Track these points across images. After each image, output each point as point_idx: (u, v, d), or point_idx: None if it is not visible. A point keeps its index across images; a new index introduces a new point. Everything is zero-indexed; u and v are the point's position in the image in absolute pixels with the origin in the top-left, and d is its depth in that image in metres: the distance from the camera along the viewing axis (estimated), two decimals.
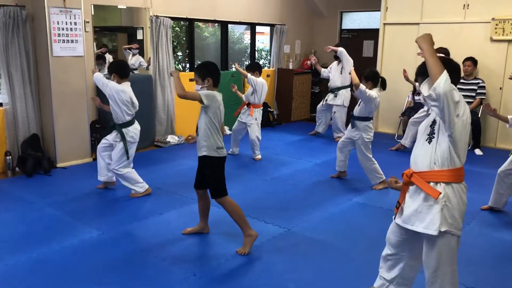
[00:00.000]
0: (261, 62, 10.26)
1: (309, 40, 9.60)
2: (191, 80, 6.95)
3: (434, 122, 2.30)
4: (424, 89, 2.20)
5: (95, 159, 5.94)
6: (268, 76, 8.69)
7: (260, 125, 6.23)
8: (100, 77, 4.56)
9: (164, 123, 6.92)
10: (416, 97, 7.08)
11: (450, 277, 2.30)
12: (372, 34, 8.54)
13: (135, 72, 7.27)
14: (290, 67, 9.10)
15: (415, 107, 7.02)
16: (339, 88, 7.28)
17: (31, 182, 5.05)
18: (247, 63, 9.43)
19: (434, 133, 2.27)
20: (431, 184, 2.26)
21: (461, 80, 6.85)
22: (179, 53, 8.49)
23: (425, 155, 2.29)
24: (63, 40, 5.49)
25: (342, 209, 4.39)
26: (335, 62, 7.43)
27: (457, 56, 6.93)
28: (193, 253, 3.45)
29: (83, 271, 3.13)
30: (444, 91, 2.07)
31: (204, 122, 3.37)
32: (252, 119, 6.11)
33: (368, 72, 4.81)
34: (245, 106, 6.23)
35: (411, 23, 7.50)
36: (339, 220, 4.15)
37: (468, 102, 6.77)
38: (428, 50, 2.15)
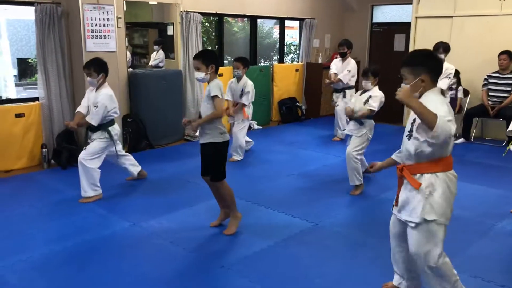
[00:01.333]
0: (290, 57, 10.24)
1: (339, 34, 9.50)
2: (220, 75, 7.01)
3: (414, 120, 2.37)
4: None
5: (127, 152, 6.08)
6: (297, 70, 8.66)
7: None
8: (98, 115, 4.28)
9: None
10: (449, 92, 6.94)
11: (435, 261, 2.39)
12: (404, 27, 8.38)
13: (161, 66, 7.41)
14: (320, 61, 9.03)
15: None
16: (344, 88, 6.79)
17: (65, 174, 5.22)
18: (276, 57, 9.43)
19: (412, 131, 2.37)
20: (417, 176, 2.38)
21: (496, 74, 6.67)
22: (209, 49, 8.57)
23: (407, 151, 2.41)
24: (96, 36, 5.63)
25: (371, 204, 4.36)
26: (338, 60, 7.01)
27: (492, 50, 6.77)
28: (221, 245, 3.49)
29: (114, 261, 3.22)
30: (445, 135, 2.18)
31: (209, 109, 3.46)
32: (246, 121, 5.85)
33: (375, 68, 4.58)
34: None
35: (444, 16, 7.33)
36: (368, 216, 4.12)
37: (503, 97, 6.58)
38: (416, 107, 2.19)
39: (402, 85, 2.44)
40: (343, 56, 6.88)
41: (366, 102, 4.47)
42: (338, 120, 6.93)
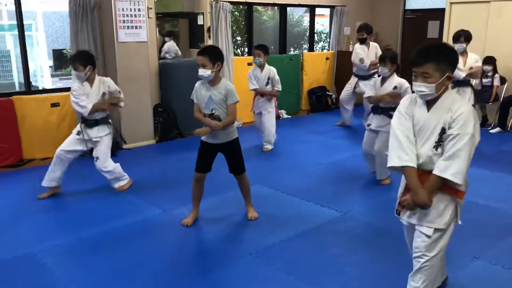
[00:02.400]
0: (320, 45, 10.13)
1: (371, 22, 9.28)
2: (249, 64, 7.01)
3: (443, 131, 2.15)
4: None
5: (158, 141, 6.19)
6: (327, 59, 8.56)
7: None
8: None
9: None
10: (484, 80, 6.73)
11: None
12: (438, 14, 8.15)
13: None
14: (350, 49, 8.88)
15: (483, 90, 6.68)
16: (371, 75, 6.52)
17: None
18: (306, 46, 9.34)
19: (442, 142, 2.16)
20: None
21: None
22: (238, 38, 8.56)
23: (432, 160, 2.20)
24: (128, 26, 5.71)
25: None
26: (360, 46, 6.69)
27: None
28: (249, 233, 3.52)
29: (144, 246, 3.30)
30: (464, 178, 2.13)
31: (225, 112, 3.41)
32: (271, 107, 5.73)
33: (393, 53, 4.39)
34: (259, 96, 5.73)
35: (481, 1, 7.07)
36: None
37: None
38: (429, 191, 2.17)
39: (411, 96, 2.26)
40: (363, 42, 6.65)
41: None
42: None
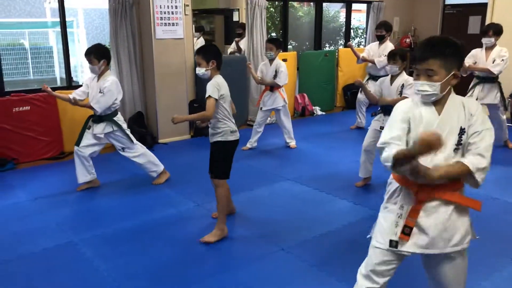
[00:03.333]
0: (356, 41, 10.00)
1: (409, 17, 9.13)
2: (284, 60, 7.00)
3: (462, 131, 1.90)
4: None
5: (193, 136, 6.29)
6: None
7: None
8: (104, 102, 4.11)
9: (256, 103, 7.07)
10: None
11: None
12: (480, 8, 7.89)
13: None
14: None
15: None
16: (379, 76, 5.96)
17: None
18: (341, 42, 9.25)
19: (461, 144, 1.90)
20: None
21: None
22: (273, 34, 8.57)
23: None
24: (165, 23, 5.82)
25: None
26: (374, 44, 6.53)
27: None
28: (281, 228, 3.54)
29: (178, 239, 3.38)
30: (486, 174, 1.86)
31: (218, 109, 3.28)
32: (282, 101, 5.54)
33: (402, 51, 4.21)
34: (268, 91, 5.57)
35: None
36: None
37: None
38: (445, 173, 1.84)
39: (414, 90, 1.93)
40: (381, 40, 6.39)
41: (400, 92, 4.03)
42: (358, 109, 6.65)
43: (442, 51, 1.86)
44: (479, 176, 1.83)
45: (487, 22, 7.31)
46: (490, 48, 5.18)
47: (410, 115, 1.93)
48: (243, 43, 7.31)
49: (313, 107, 7.73)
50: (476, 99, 5.05)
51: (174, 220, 3.71)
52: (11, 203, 4.08)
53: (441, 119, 1.91)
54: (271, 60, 5.48)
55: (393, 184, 2.06)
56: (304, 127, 6.94)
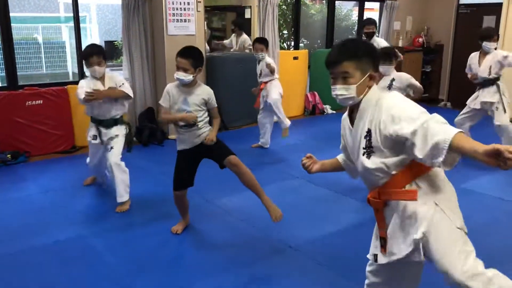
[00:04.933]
0: None
1: (422, 16, 9.06)
2: (295, 58, 6.98)
3: (369, 133, 1.82)
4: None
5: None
6: None
7: None
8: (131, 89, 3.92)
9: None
10: None
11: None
12: (495, 8, 7.80)
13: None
14: (400, 44, 8.69)
15: None
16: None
17: (146, 151, 5.53)
18: None
19: (372, 145, 1.83)
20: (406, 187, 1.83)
21: None
22: (285, 31, 8.55)
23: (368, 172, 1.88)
24: (177, 19, 5.84)
25: None
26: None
27: None
28: (290, 226, 3.53)
29: (189, 235, 3.40)
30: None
31: (203, 115, 3.24)
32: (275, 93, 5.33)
33: (392, 49, 4.23)
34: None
35: None
36: None
37: None
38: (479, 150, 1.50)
39: None
40: (371, 37, 6.09)
41: (389, 87, 4.04)
42: None
43: (354, 53, 1.82)
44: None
45: (502, 22, 7.24)
46: (486, 53, 5.00)
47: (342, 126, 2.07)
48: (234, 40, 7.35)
49: (324, 106, 7.70)
50: (484, 102, 4.95)
51: None
52: (23, 195, 4.13)
53: (354, 126, 1.90)
54: (259, 60, 5.33)
55: None
56: (315, 125, 6.92)
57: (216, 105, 3.31)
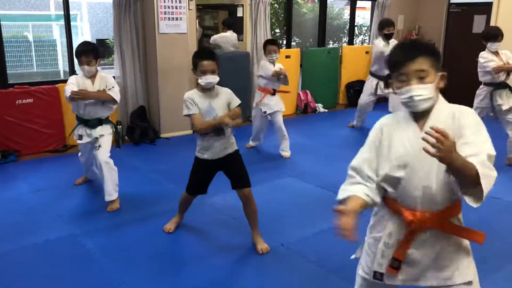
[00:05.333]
0: (360, 39, 9.98)
1: (413, 15, 9.11)
2: (287, 56, 6.99)
3: None
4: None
5: (195, 132, 6.29)
6: (367, 52, 8.43)
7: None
8: (119, 94, 3.84)
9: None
10: None
11: None
12: (485, 7, 7.86)
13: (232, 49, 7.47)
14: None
15: None
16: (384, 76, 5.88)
17: (138, 150, 5.51)
18: (345, 39, 9.24)
19: None
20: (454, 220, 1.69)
21: None
22: (277, 30, 8.55)
23: (444, 186, 1.62)
24: (169, 18, 5.82)
25: None
26: (382, 44, 6.07)
27: None
28: (282, 225, 3.55)
29: (182, 233, 3.40)
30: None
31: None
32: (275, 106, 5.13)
33: None
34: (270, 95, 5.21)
35: None
36: None
37: None
38: (463, 161, 1.44)
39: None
40: (388, 38, 6.03)
41: None
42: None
43: (429, 49, 1.64)
44: (485, 184, 1.44)
45: (492, 21, 7.29)
46: (495, 52, 4.96)
47: (384, 135, 1.72)
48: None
49: (316, 104, 7.72)
50: (499, 105, 4.79)
51: (174, 215, 3.71)
52: (13, 194, 4.11)
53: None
54: (273, 63, 5.13)
55: (380, 212, 1.84)
56: (307, 124, 6.94)
57: (239, 101, 3.18)
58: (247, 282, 2.81)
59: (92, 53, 3.69)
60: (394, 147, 1.68)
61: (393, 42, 6.08)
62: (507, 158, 4.97)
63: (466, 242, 1.72)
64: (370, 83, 6.28)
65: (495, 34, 4.93)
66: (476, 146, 1.53)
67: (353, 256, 2.01)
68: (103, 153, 3.76)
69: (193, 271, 2.89)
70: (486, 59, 4.86)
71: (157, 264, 2.97)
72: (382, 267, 1.76)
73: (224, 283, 2.80)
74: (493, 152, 1.53)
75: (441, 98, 1.67)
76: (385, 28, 6.07)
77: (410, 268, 1.72)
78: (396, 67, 1.63)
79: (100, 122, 3.83)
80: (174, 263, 3.00)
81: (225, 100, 3.11)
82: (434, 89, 1.61)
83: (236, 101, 3.17)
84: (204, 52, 3.12)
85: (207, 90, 3.06)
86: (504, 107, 4.82)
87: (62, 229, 3.44)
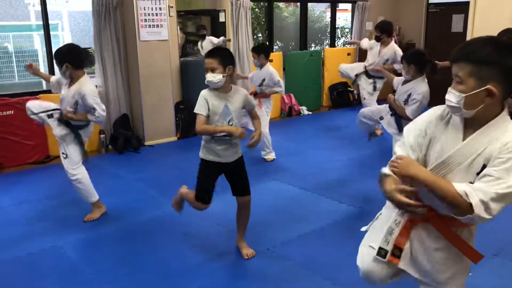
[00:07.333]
0: (341, 41, 10.05)
1: (393, 16, 9.20)
2: (270, 61, 7.00)
3: (483, 168, 1.52)
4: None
5: (179, 138, 6.28)
6: (348, 54, 8.50)
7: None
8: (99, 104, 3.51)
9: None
10: None
11: None
12: (462, 7, 7.99)
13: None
14: None
15: None
16: (375, 77, 6.07)
17: (122, 159, 5.47)
18: (327, 42, 9.30)
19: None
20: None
21: None
22: (259, 35, 8.58)
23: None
24: (149, 25, 5.81)
25: None
26: (374, 42, 6.19)
27: None
28: (267, 228, 3.55)
29: (164, 241, 3.38)
30: (497, 210, 1.49)
31: (240, 121, 3.03)
32: (261, 111, 4.96)
33: (421, 52, 3.88)
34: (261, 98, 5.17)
35: None
36: None
37: None
38: (426, 178, 1.54)
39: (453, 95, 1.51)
40: (378, 40, 6.11)
41: (405, 102, 3.85)
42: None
43: (473, 54, 1.46)
44: (477, 209, 1.46)
45: (470, 20, 7.42)
46: None
47: (432, 128, 1.66)
48: (205, 43, 7.27)
49: (300, 107, 7.76)
50: None
51: (160, 223, 3.70)
52: None
53: (461, 146, 1.53)
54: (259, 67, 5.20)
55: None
56: (291, 127, 6.97)
57: (255, 104, 3.03)
58: (233, 286, 2.80)
59: (62, 60, 3.43)
60: (432, 148, 1.66)
61: (371, 45, 6.23)
62: None
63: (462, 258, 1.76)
64: (363, 85, 6.25)
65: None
66: (493, 180, 1.45)
67: (364, 228, 2.04)
68: (68, 167, 3.61)
69: (180, 281, 2.88)
70: None
71: (143, 274, 2.95)
72: (387, 245, 1.77)
73: (210, 286, 2.79)
74: (508, 196, 1.45)
75: (506, 117, 1.52)
76: (393, 32, 6.12)
77: (412, 261, 1.77)
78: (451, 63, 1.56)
79: (64, 122, 3.58)
80: (160, 274, 2.98)
81: (240, 102, 2.93)
82: (468, 100, 1.47)
83: (252, 105, 3.05)
84: (209, 51, 2.95)
85: (222, 89, 2.87)
86: None
87: (45, 241, 3.39)
